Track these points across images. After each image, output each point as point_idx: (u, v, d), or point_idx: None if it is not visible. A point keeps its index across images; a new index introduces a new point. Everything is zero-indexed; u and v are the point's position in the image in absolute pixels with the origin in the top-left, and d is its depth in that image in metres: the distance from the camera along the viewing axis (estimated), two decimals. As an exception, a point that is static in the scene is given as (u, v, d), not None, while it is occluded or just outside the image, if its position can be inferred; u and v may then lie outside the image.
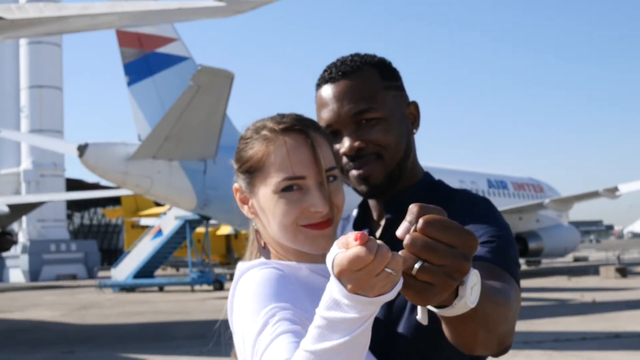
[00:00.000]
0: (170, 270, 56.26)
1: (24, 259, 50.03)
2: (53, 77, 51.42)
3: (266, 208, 1.76)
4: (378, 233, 2.03)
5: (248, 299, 1.63)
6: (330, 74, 1.98)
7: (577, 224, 63.28)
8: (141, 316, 20.71)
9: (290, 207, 1.72)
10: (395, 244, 1.84)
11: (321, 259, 1.77)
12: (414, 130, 2.06)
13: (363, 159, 1.94)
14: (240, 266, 1.80)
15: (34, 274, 49.89)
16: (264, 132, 1.78)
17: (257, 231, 1.87)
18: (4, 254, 44.64)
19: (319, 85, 2.03)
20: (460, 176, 35.73)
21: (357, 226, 2.09)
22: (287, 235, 1.75)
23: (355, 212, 2.13)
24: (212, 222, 31.38)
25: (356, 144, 1.94)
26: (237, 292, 1.71)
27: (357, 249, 1.18)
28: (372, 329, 1.30)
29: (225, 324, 1.81)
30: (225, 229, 43.15)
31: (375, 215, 2.07)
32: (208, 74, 18.61)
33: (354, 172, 1.97)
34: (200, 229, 35.99)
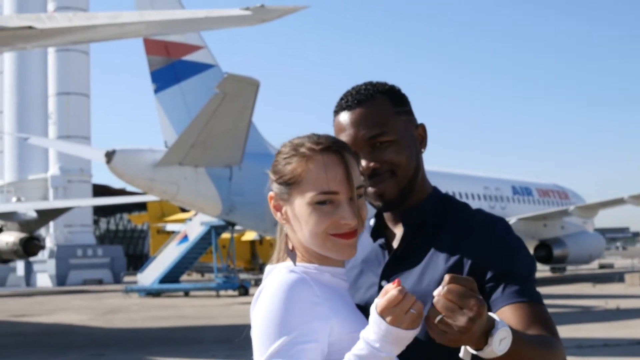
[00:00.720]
0: (195, 276, 56.55)
1: (51, 264, 50.54)
2: (80, 84, 51.93)
3: (300, 216, 1.98)
4: (395, 244, 2.24)
5: (270, 316, 1.86)
6: (347, 102, 2.22)
7: (603, 231, 62.90)
8: (167, 320, 20.96)
9: (323, 218, 1.94)
10: (409, 255, 2.18)
11: (340, 264, 2.05)
12: (422, 150, 2.30)
13: (378, 177, 2.18)
14: (269, 268, 2.03)
15: (60, 279, 50.36)
16: (303, 150, 1.99)
17: (286, 235, 2.07)
18: (32, 259, 44.99)
19: (337, 112, 2.26)
20: (485, 182, 35.74)
21: (374, 234, 2.30)
22: (317, 241, 1.97)
23: (372, 222, 2.33)
24: (237, 228, 31.59)
25: (372, 164, 2.17)
26: (262, 296, 1.93)
27: (393, 291, 1.74)
28: None
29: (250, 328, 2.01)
30: (250, 235, 43.37)
31: (390, 225, 2.28)
32: (234, 81, 18.84)
33: (370, 190, 2.19)
34: (226, 235, 36.22)
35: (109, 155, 21.76)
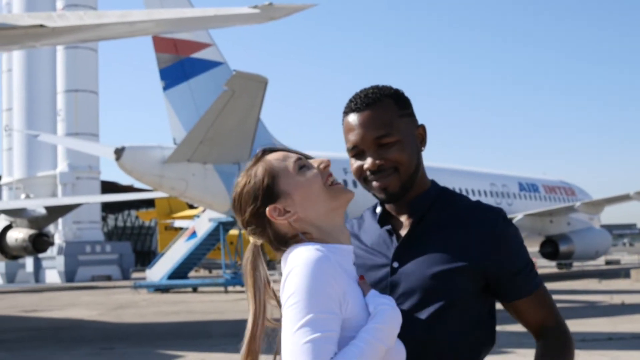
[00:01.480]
0: (203, 272, 56.75)
1: (60, 260, 50.84)
2: (89, 81, 52.15)
3: (304, 194, 2.29)
4: (401, 230, 2.47)
5: (301, 289, 2.02)
6: (357, 105, 2.45)
7: (610, 227, 62.89)
8: (177, 315, 21.17)
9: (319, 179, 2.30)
10: (417, 240, 2.43)
11: (349, 241, 2.28)
12: (422, 148, 2.53)
13: (382, 172, 2.41)
14: (285, 255, 2.20)
15: (69, 275, 50.63)
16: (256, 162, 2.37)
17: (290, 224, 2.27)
18: (41, 255, 45.14)
19: (346, 113, 2.49)
20: (491, 179, 35.81)
21: (381, 221, 2.53)
22: (328, 194, 2.26)
23: (379, 209, 2.56)
24: (245, 224, 31.66)
25: (377, 162, 2.40)
26: (293, 272, 2.08)
27: None
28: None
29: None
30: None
31: (394, 213, 2.52)
32: (242, 78, 18.99)
33: (375, 184, 2.43)
34: (234, 231, 36.38)
35: (119, 152, 21.91)
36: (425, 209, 2.45)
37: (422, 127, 2.56)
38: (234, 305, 24.69)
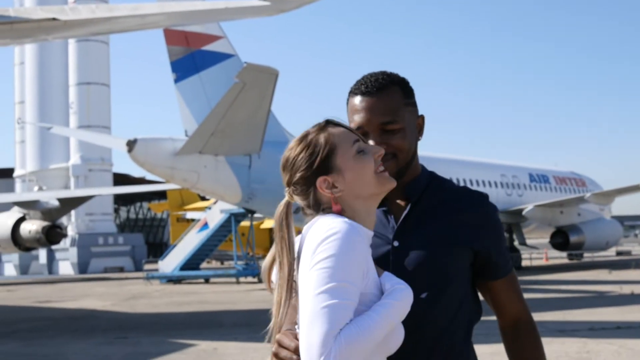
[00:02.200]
0: (214, 264, 56.93)
1: (73, 252, 51.08)
2: (100, 74, 52.28)
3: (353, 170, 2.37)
4: (397, 211, 2.59)
5: (336, 256, 2.12)
6: (366, 88, 2.54)
7: (622, 218, 62.73)
8: (189, 306, 21.34)
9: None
10: (415, 221, 2.57)
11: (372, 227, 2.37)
12: (420, 137, 2.65)
13: (382, 157, 2.47)
14: (309, 224, 2.30)
15: (82, 266, 50.89)
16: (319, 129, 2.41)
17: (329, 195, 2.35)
18: (54, 247, 45.43)
19: (354, 94, 2.59)
20: (502, 170, 35.87)
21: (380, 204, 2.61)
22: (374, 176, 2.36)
23: None
24: (256, 215, 31.88)
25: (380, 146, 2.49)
26: (327, 239, 2.16)
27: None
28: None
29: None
30: (269, 223, 43.51)
31: (388, 196, 2.58)
32: (253, 71, 19.12)
33: None
34: (245, 223, 36.53)
35: (131, 144, 22.09)
36: (420, 192, 2.58)
37: (422, 117, 2.67)
38: (245, 295, 24.86)
